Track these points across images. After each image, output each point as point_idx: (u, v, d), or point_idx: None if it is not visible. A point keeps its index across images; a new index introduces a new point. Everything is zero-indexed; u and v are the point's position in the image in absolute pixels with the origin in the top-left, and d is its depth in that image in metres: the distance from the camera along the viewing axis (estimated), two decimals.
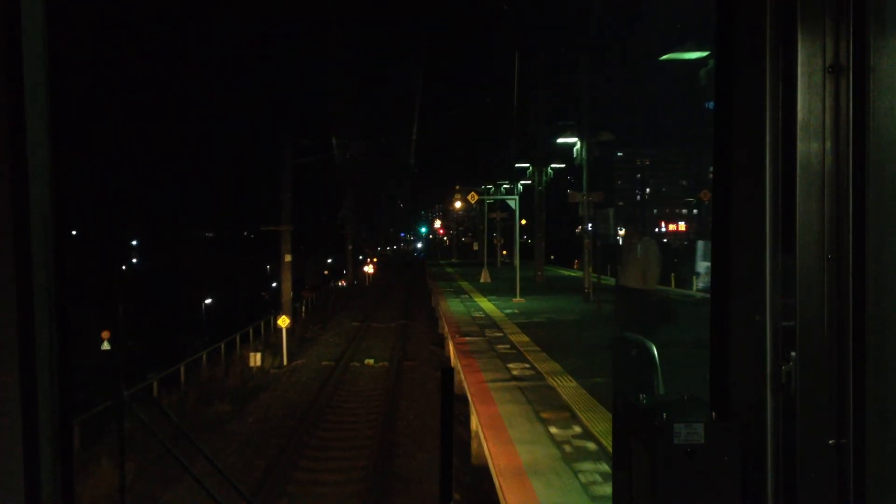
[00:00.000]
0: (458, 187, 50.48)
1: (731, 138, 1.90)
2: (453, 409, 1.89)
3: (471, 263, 52.28)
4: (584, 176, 22.57)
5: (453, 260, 59.90)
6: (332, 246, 56.15)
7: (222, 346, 21.24)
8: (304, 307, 33.34)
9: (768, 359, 1.77)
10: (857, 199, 1.66)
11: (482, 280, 31.78)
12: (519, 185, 36.60)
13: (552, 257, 62.01)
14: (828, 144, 1.70)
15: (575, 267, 44.33)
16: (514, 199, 27.11)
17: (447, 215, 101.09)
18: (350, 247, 51.90)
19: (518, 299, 22.59)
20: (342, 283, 52.80)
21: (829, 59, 1.70)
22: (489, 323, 17.69)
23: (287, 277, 29.22)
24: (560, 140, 23.48)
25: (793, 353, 1.72)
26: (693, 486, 1.82)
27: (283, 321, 21.98)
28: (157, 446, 9.92)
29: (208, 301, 50.50)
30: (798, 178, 1.71)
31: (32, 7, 1.58)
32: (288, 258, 29.25)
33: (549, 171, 31.37)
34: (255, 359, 20.12)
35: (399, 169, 64.01)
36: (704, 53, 15.57)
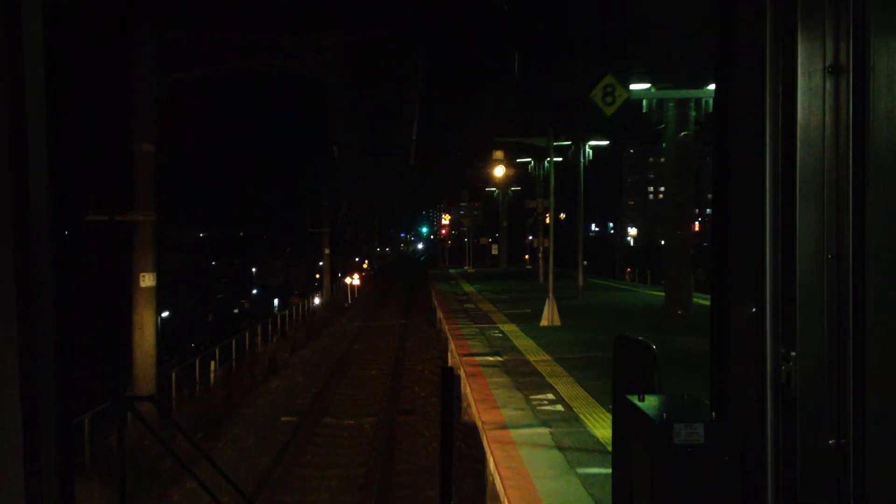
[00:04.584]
0: (497, 148, 36.21)
1: (731, 138, 1.96)
2: (453, 409, 1.86)
3: (494, 275, 38.92)
4: None
5: (467, 269, 45.99)
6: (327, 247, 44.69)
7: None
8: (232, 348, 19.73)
9: (768, 359, 1.82)
10: (857, 199, 1.72)
11: (544, 322, 17.81)
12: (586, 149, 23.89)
13: (585, 263, 48.47)
14: (828, 144, 1.76)
15: (660, 283, 30.01)
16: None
17: (452, 210, 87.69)
18: (327, 251, 37.78)
19: None
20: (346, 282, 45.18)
21: (829, 59, 1.74)
22: None
23: (147, 323, 14.58)
24: None
25: (793, 353, 1.77)
26: (693, 486, 1.87)
27: None
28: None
29: (165, 314, 42.03)
30: (798, 178, 1.76)
31: (32, 7, 1.65)
32: (148, 280, 14.66)
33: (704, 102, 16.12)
34: None
35: (398, 164, 51.17)
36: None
